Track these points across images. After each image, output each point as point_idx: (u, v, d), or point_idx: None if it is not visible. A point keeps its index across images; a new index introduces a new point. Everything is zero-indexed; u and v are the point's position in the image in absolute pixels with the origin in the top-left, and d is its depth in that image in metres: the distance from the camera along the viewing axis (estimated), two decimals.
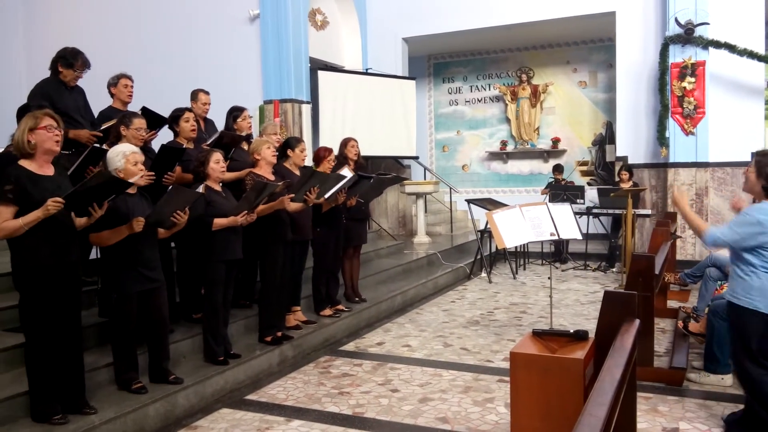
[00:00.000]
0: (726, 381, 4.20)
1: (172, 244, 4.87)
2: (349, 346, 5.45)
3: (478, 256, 8.71)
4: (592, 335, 2.96)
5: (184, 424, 3.83)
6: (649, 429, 3.57)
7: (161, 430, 3.73)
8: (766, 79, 9.10)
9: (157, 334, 3.98)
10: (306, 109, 8.87)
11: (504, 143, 12.29)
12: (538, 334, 3.15)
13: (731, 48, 8.29)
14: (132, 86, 5.17)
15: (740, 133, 8.60)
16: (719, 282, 5.37)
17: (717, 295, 4.74)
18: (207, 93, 5.63)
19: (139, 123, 4.25)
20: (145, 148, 4.37)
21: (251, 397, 4.27)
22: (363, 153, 6.22)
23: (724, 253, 6.28)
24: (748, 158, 8.55)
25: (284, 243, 4.93)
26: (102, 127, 4.66)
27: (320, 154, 5.69)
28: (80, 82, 4.90)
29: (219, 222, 4.29)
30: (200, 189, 4.26)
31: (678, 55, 8.58)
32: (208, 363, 4.39)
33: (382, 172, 6.53)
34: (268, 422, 3.83)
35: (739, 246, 3.37)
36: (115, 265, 3.74)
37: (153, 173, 4.06)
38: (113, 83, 5.14)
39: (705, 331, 4.38)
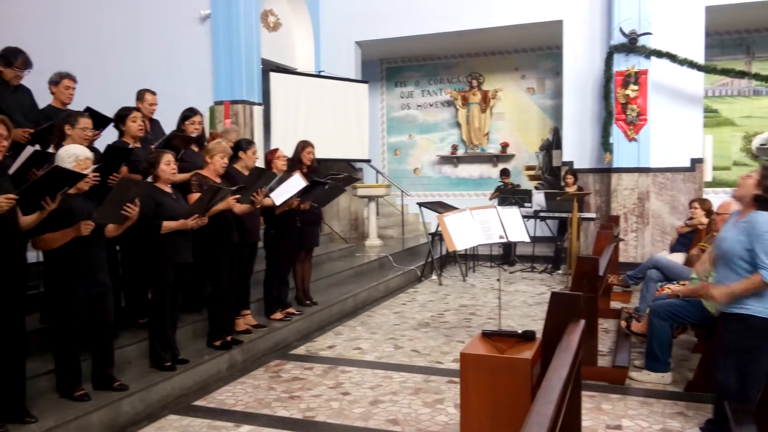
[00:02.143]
0: (666, 379, 4.35)
1: (117, 247, 4.75)
2: (300, 350, 5.41)
3: (429, 259, 8.78)
4: (539, 335, 3.03)
5: (129, 431, 3.74)
6: (593, 426, 3.67)
7: None
8: (705, 88, 9.50)
9: (102, 340, 3.87)
10: (258, 110, 8.78)
11: (455, 147, 12.44)
12: (487, 335, 3.20)
13: (672, 57, 8.61)
14: (74, 88, 5.01)
15: (680, 139, 8.93)
16: (660, 283, 5.56)
17: (658, 296, 4.90)
18: (154, 93, 5.51)
19: (85, 123, 4.13)
20: (89, 148, 4.24)
21: (199, 402, 4.19)
22: (316, 155, 6.20)
23: (665, 255, 6.53)
24: (687, 164, 8.93)
25: (230, 246, 4.87)
26: (39, 128, 4.51)
27: (268, 158, 5.75)
28: (25, 80, 4.73)
29: (168, 225, 4.21)
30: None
31: (622, 64, 8.86)
32: (154, 369, 4.30)
33: (334, 173, 6.52)
34: (216, 428, 3.77)
35: None
36: (60, 269, 3.62)
37: (98, 174, 3.95)
38: (55, 81, 4.97)
39: (646, 330, 4.53)
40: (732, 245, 3.27)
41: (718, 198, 9.11)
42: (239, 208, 4.87)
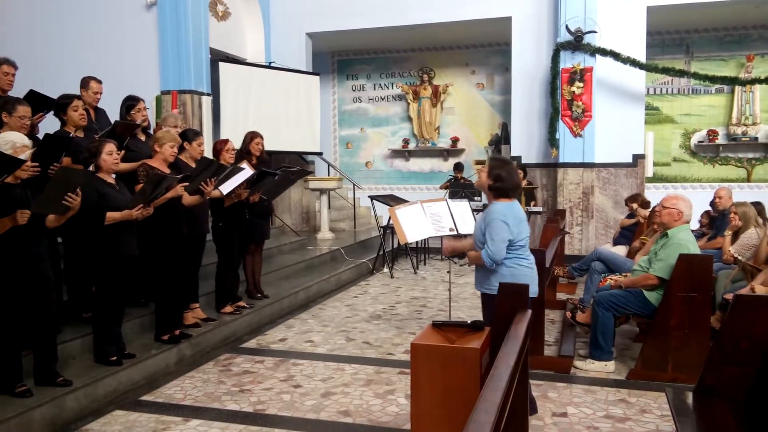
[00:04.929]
0: (609, 367, 4.49)
1: (59, 239, 4.60)
2: (251, 343, 5.37)
3: (381, 252, 8.82)
4: (487, 326, 3.08)
5: (73, 428, 3.65)
6: (540, 414, 3.76)
7: None
8: (647, 86, 9.81)
9: (44, 334, 3.75)
10: (206, 101, 8.62)
11: (406, 141, 12.51)
12: (437, 326, 3.24)
13: (616, 56, 8.86)
14: (14, 75, 4.80)
15: (623, 136, 9.21)
16: (603, 274, 5.74)
17: (601, 287, 5.05)
18: (99, 81, 5.34)
19: (24, 111, 3.98)
20: (31, 135, 4.10)
21: (147, 397, 4.12)
22: (266, 148, 6.13)
23: (608, 248, 6.73)
24: (629, 160, 9.22)
25: (178, 238, 4.78)
26: None
27: (217, 147, 5.62)
28: None
29: (112, 216, 4.10)
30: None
31: (568, 61, 9.06)
32: (99, 364, 4.19)
33: (286, 166, 6.46)
34: (164, 423, 3.71)
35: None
36: None
37: (37, 164, 3.80)
38: None
39: (590, 321, 4.67)
40: (476, 230, 3.84)
41: (658, 193, 9.49)
42: (188, 199, 4.79)
